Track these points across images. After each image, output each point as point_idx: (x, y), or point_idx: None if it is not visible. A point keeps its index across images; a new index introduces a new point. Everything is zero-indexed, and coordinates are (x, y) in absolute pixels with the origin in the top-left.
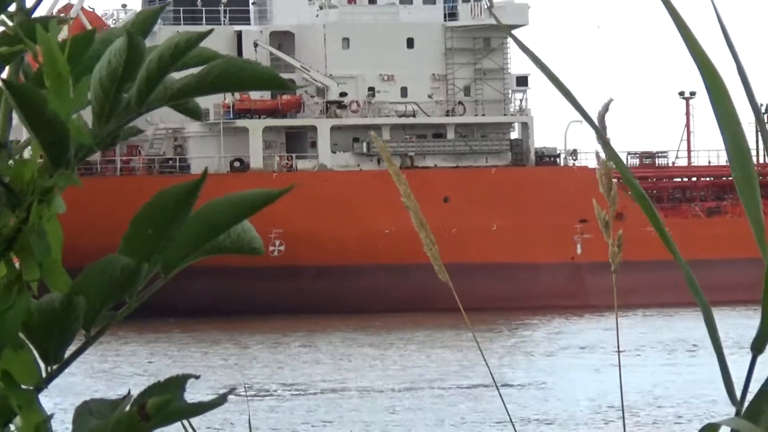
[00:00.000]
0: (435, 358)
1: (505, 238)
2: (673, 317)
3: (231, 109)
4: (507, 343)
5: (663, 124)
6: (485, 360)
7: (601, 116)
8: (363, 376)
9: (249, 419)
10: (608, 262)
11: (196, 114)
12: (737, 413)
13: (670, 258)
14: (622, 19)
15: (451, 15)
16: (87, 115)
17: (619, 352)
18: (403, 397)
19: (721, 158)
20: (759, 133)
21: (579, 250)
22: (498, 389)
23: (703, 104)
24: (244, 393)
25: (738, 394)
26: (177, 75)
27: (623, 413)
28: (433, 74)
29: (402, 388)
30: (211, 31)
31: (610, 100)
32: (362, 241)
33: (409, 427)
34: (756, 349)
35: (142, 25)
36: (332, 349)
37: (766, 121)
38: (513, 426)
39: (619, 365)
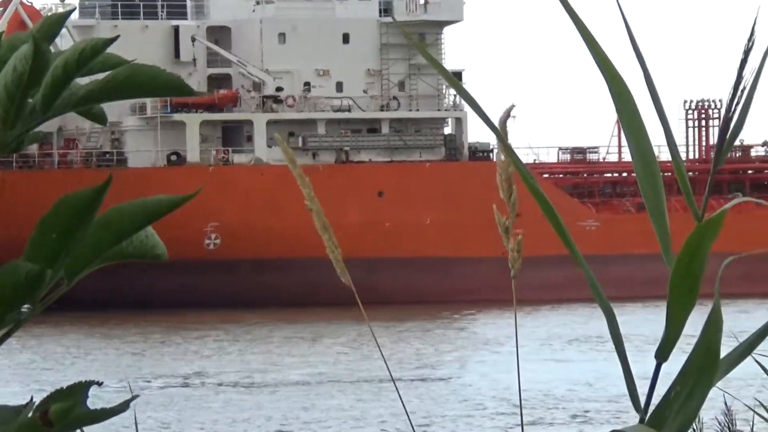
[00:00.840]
0: (355, 351)
1: (438, 233)
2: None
3: (168, 104)
4: (430, 336)
5: (596, 118)
6: (382, 355)
7: (503, 122)
8: (283, 369)
9: (135, 417)
10: (539, 256)
11: (101, 119)
12: (641, 421)
13: (606, 252)
14: (557, 11)
15: (386, 11)
16: None
17: (517, 347)
18: (318, 391)
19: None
20: (665, 132)
21: None
22: (394, 383)
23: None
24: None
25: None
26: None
27: (521, 409)
28: (368, 69)
29: (320, 382)
30: (116, 38)
31: (512, 106)
32: (298, 235)
33: (321, 422)
34: (660, 356)
35: (49, 30)
36: (255, 341)
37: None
38: (410, 421)
39: (518, 362)
